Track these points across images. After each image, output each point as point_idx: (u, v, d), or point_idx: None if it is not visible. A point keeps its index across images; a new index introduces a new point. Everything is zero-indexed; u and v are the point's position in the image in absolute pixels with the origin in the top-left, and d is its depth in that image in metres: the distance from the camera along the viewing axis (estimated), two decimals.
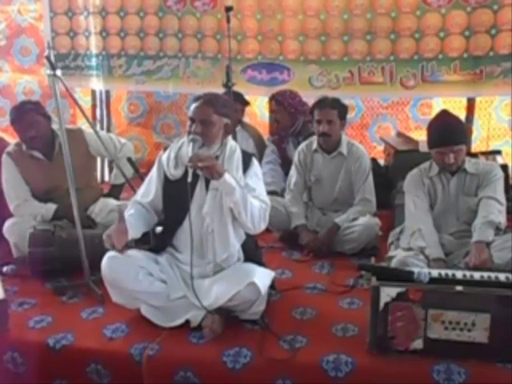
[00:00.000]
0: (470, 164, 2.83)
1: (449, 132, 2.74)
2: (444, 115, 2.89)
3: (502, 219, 2.69)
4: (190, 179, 2.30)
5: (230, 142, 2.51)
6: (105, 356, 2.26)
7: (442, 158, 2.75)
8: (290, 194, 3.50)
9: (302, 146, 3.56)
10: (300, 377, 2.13)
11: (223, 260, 2.45)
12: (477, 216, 2.71)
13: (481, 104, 4.64)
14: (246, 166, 2.49)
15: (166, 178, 2.51)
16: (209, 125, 2.37)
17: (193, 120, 2.39)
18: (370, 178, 3.40)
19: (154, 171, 2.56)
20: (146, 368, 2.21)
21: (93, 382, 2.27)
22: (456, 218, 2.82)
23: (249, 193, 2.40)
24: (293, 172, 3.54)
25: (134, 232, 2.41)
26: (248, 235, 2.53)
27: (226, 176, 2.30)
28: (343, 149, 3.40)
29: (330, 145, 3.41)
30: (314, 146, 3.46)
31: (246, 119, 4.80)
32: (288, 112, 3.96)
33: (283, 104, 3.97)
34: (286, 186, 3.59)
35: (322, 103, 3.37)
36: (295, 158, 3.54)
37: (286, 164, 3.91)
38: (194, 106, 2.41)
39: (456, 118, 2.88)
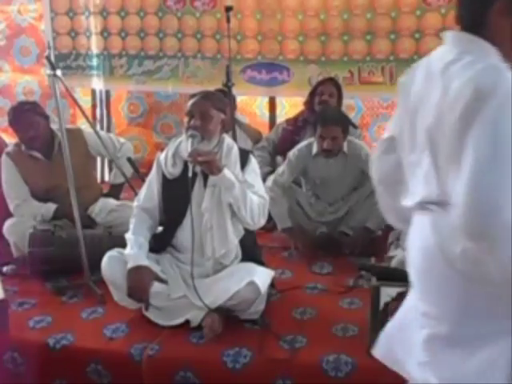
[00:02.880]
0: None
1: None
2: None
3: None
4: (190, 174, 2.32)
5: (227, 139, 2.53)
6: (105, 356, 2.27)
7: None
8: (273, 191, 3.26)
9: (296, 151, 3.39)
10: (300, 377, 2.13)
11: (222, 256, 2.46)
12: None
13: None
14: (244, 162, 2.51)
15: (164, 178, 2.51)
16: (207, 118, 2.39)
17: (191, 115, 2.41)
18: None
19: (153, 172, 2.57)
20: (145, 368, 2.21)
21: (93, 381, 2.27)
22: None
23: (248, 189, 2.42)
24: (285, 168, 3.37)
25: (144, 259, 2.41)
26: (248, 234, 2.54)
27: (225, 171, 2.34)
28: (344, 148, 3.33)
29: (331, 156, 3.30)
30: (315, 150, 3.31)
31: (245, 119, 4.80)
32: (339, 100, 3.84)
33: (340, 90, 3.87)
34: (272, 181, 3.36)
35: (326, 119, 3.22)
36: (293, 155, 3.37)
37: (281, 153, 3.82)
38: (191, 101, 2.44)
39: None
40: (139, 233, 2.48)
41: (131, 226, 2.51)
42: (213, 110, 2.42)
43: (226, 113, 2.52)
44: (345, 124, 3.29)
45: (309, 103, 3.92)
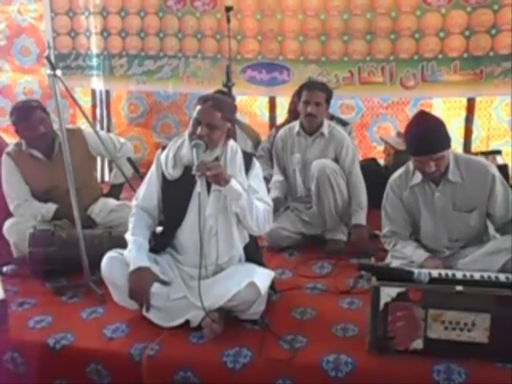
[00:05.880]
0: (454, 170, 2.52)
1: (427, 140, 2.43)
2: (422, 119, 2.52)
3: None
4: (199, 189, 2.29)
5: (231, 142, 2.49)
6: (105, 356, 2.27)
7: (423, 166, 2.48)
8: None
9: (281, 132, 3.54)
10: (300, 377, 2.13)
11: (225, 262, 2.45)
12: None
13: (481, 104, 4.63)
14: (248, 166, 2.49)
15: (164, 178, 2.49)
16: (214, 128, 2.35)
17: (199, 122, 2.36)
18: (357, 166, 3.43)
19: (153, 172, 2.54)
20: (146, 368, 2.21)
21: (93, 381, 2.27)
22: (447, 236, 2.62)
23: (252, 194, 2.40)
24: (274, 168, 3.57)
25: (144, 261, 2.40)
26: (250, 237, 2.53)
27: (233, 182, 2.30)
28: (324, 130, 3.38)
29: (313, 126, 3.39)
30: (297, 128, 3.45)
31: (246, 119, 4.80)
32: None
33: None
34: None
35: (311, 85, 3.47)
36: (274, 147, 3.56)
37: None
38: (201, 108, 2.38)
39: (435, 122, 2.51)
40: (138, 233, 2.47)
41: (130, 226, 2.50)
42: (221, 120, 2.36)
43: (232, 121, 2.48)
44: (329, 93, 3.41)
45: (293, 112, 3.87)
